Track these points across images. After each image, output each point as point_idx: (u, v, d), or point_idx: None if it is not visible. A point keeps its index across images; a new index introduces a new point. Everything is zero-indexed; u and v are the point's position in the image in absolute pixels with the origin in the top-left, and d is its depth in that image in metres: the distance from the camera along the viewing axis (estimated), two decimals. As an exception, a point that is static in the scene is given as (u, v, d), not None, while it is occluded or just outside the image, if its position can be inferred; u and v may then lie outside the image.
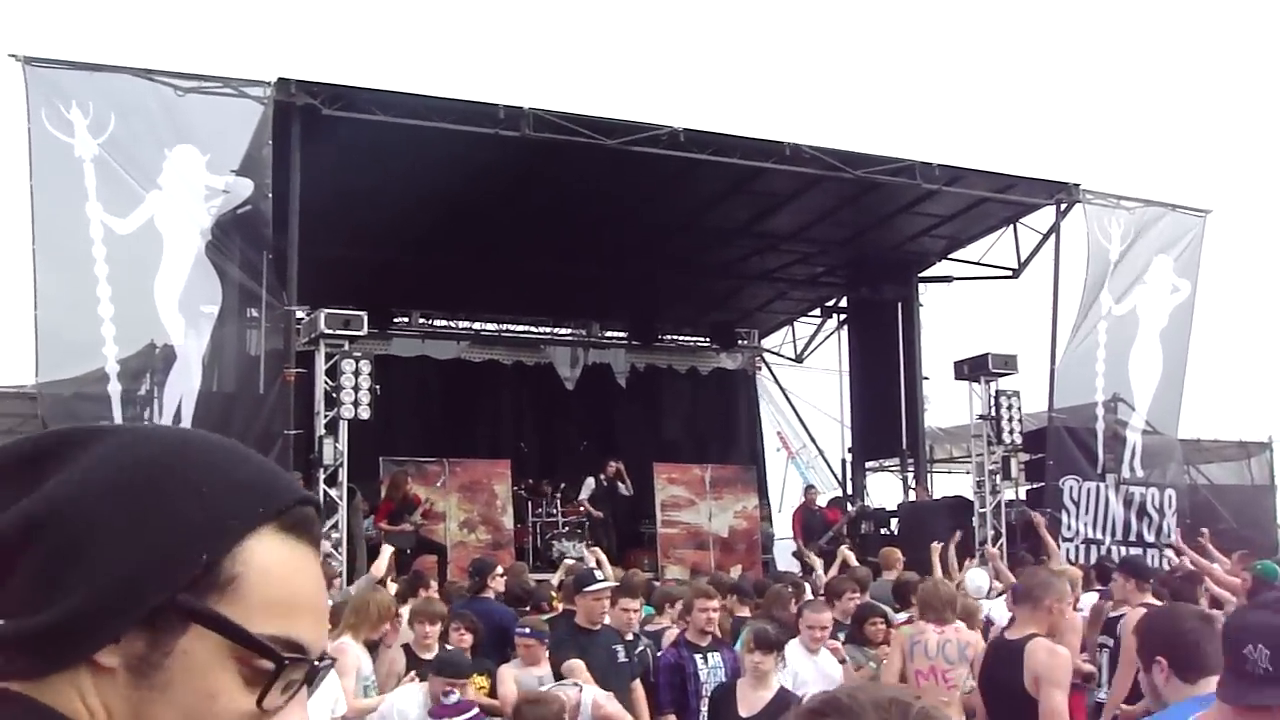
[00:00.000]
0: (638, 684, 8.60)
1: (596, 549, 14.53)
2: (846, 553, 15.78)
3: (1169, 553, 18.11)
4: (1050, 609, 6.50)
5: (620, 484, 21.06)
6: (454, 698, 6.55)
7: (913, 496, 22.81)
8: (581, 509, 20.48)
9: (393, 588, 11.77)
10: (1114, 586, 10.68)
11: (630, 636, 9.11)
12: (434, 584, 12.36)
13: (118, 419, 13.52)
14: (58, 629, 1.13)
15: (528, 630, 9.35)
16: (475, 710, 6.42)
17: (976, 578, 13.08)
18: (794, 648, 8.96)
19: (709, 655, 8.96)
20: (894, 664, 8.96)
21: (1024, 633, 6.53)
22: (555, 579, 14.29)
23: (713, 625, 9.23)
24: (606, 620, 8.82)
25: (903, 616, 11.31)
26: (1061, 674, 6.28)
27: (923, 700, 1.52)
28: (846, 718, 1.50)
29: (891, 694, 1.53)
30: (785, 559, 22.02)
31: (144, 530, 1.15)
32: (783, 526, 24.26)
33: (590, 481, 20.81)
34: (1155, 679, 4.24)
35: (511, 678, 8.61)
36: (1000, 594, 12.37)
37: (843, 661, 9.31)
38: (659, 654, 9.40)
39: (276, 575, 1.20)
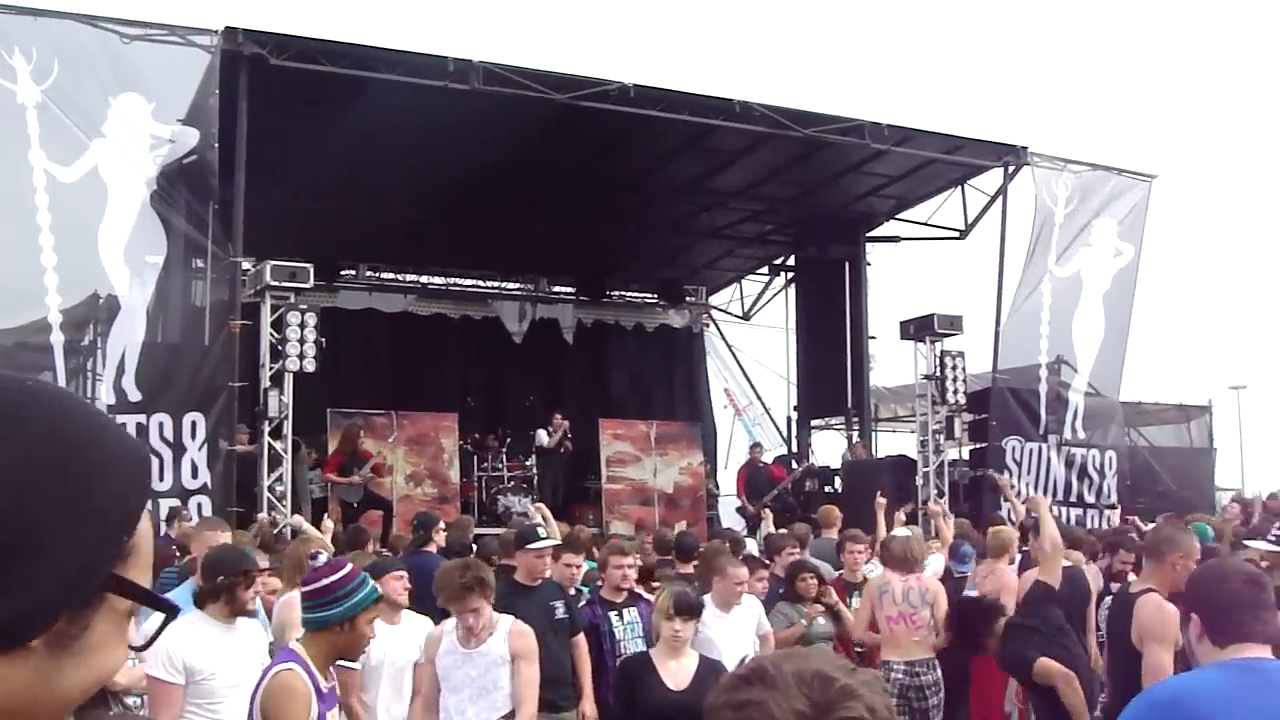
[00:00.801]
0: (580, 639, 8.60)
1: (541, 505, 14.55)
2: (765, 513, 15.99)
3: (1109, 513, 18.32)
4: (1173, 565, 6.40)
5: (567, 437, 21.08)
6: (322, 558, 6.29)
7: (850, 455, 22.98)
8: (563, 446, 20.58)
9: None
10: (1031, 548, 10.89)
11: (572, 592, 9.13)
12: (373, 543, 12.25)
13: (60, 369, 13.45)
14: (6, 624, 1.15)
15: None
16: (349, 566, 5.98)
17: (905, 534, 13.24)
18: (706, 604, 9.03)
19: (624, 611, 8.98)
20: (864, 612, 9.93)
21: (1143, 586, 6.57)
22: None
23: (628, 582, 9.21)
24: (549, 575, 8.82)
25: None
26: (1166, 630, 6.26)
27: (847, 678, 1.53)
28: (770, 689, 1.51)
29: (817, 666, 1.53)
30: (730, 516, 22.12)
31: (81, 521, 1.17)
32: (728, 483, 24.39)
33: (542, 434, 20.85)
34: (1190, 636, 3.98)
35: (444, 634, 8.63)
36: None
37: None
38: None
39: (147, 536, 1.26)
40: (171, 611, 1.33)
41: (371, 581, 5.52)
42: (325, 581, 5.32)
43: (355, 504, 17.12)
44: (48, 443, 1.19)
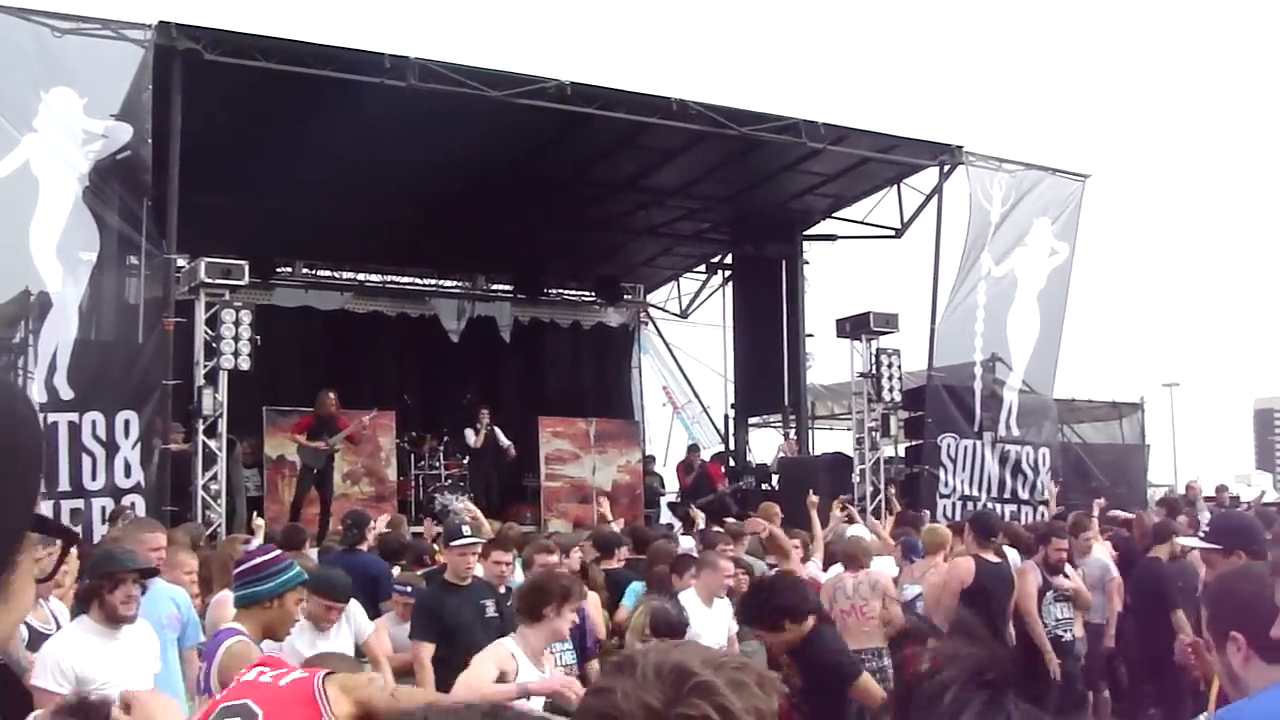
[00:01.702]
0: None
1: (469, 502, 14.54)
2: (696, 513, 16.04)
3: (1043, 509, 18.51)
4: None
5: (498, 430, 21.01)
6: (256, 542, 6.66)
7: (782, 453, 23.11)
8: (465, 461, 20.49)
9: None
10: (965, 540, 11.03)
11: (503, 590, 9.12)
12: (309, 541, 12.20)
13: (-10, 367, 13.32)
14: None
15: (408, 589, 9.36)
16: (278, 551, 6.41)
17: (858, 533, 13.34)
18: (689, 598, 9.07)
19: None
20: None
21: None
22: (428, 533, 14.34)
23: None
24: (479, 573, 8.80)
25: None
26: None
27: (711, 674, 1.50)
28: (627, 679, 1.50)
29: (679, 659, 1.51)
30: (669, 513, 22.19)
31: (25, 475, 1.23)
32: (670, 481, 24.44)
33: (470, 433, 20.80)
34: (1231, 660, 3.34)
35: (386, 631, 8.62)
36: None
37: None
38: None
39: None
40: (72, 538, 1.38)
41: (299, 567, 6.06)
42: (258, 560, 5.96)
43: (316, 470, 17.14)
44: None
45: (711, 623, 8.88)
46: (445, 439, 20.94)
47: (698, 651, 1.57)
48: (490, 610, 8.43)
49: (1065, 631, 10.78)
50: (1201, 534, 6.34)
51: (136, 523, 9.92)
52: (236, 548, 8.93)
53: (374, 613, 9.21)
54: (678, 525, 18.43)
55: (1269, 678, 3.15)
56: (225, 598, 8.51)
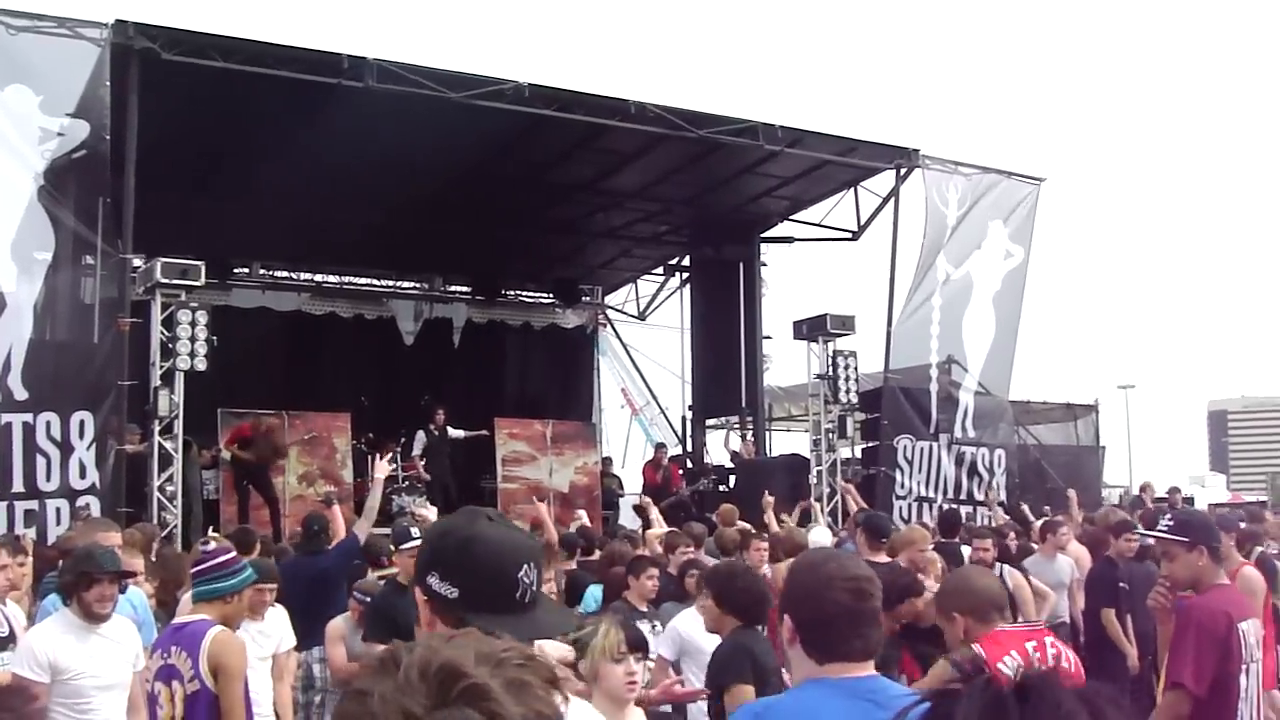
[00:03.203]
0: None
1: (424, 504, 14.53)
2: (645, 500, 16.10)
3: (995, 509, 18.61)
4: None
5: (450, 429, 20.96)
6: (210, 545, 7.08)
7: (739, 450, 23.19)
8: (423, 464, 20.41)
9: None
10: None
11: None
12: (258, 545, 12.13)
13: (-56, 367, 13.22)
14: None
15: (367, 597, 9.36)
16: (232, 552, 6.92)
17: (819, 535, 13.35)
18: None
19: None
20: None
21: None
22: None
23: None
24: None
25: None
26: None
27: (487, 675, 1.34)
28: (388, 679, 1.34)
29: (448, 656, 1.35)
30: (627, 515, 22.18)
31: None
32: (627, 482, 24.46)
33: (421, 435, 20.73)
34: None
35: (340, 635, 8.62)
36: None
37: None
38: None
39: None
40: None
41: (251, 568, 6.74)
42: (220, 559, 6.53)
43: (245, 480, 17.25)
44: None
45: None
46: (402, 441, 20.88)
47: (474, 646, 1.39)
48: None
49: None
50: (1164, 528, 6.38)
51: (91, 522, 9.89)
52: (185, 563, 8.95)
53: (337, 614, 9.21)
54: (638, 525, 18.43)
55: (806, 669, 3.34)
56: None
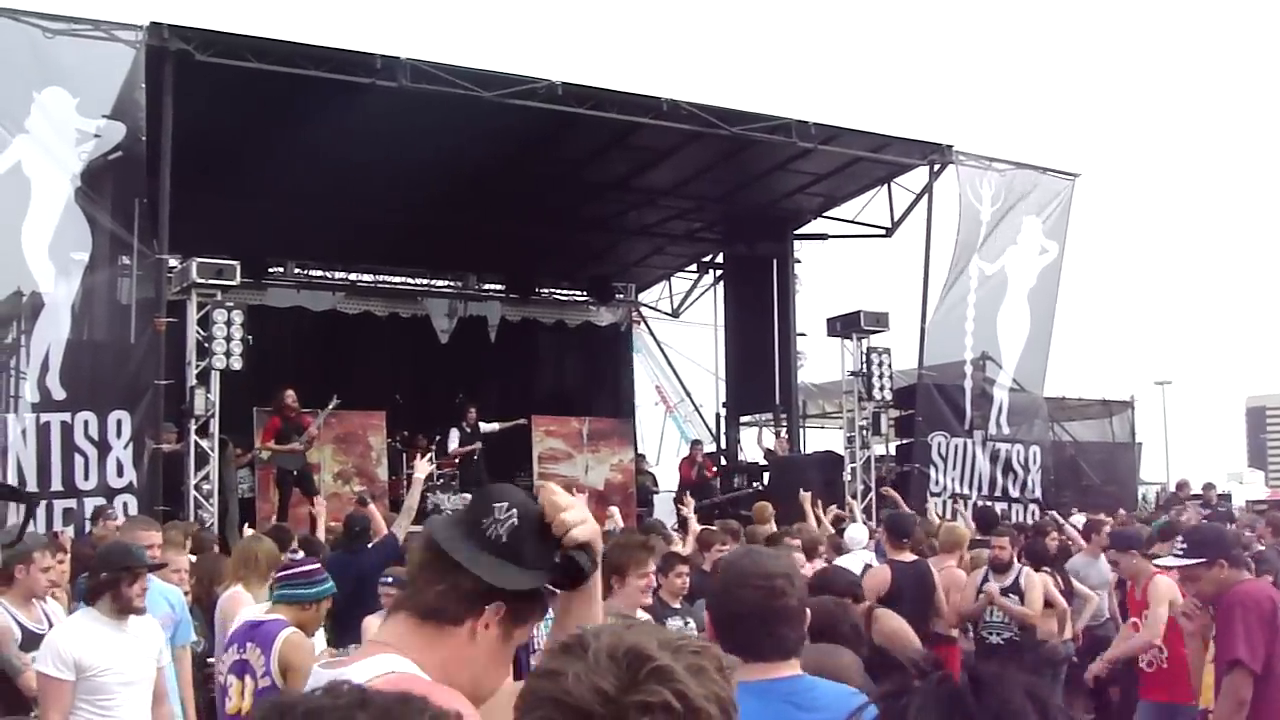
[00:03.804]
0: None
1: (459, 500, 14.55)
2: (687, 511, 16.02)
3: (1032, 507, 18.56)
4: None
5: (482, 425, 20.97)
6: (300, 553, 7.26)
7: (772, 447, 23.17)
8: (456, 461, 20.45)
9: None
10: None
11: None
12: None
13: (-17, 367, 13.36)
14: None
15: (391, 580, 9.37)
16: (317, 563, 7.11)
17: (855, 532, 13.32)
18: None
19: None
20: None
21: None
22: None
23: None
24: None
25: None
26: None
27: (668, 658, 1.41)
28: (579, 661, 1.42)
29: (634, 641, 1.42)
30: (663, 511, 22.18)
31: None
32: (662, 479, 24.48)
33: (454, 433, 20.76)
34: None
35: (374, 627, 8.65)
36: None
37: None
38: None
39: None
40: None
41: (331, 581, 6.87)
42: (306, 568, 6.82)
43: (295, 471, 17.16)
44: None
45: None
46: (437, 439, 20.93)
47: (654, 633, 1.47)
48: None
49: (993, 635, 10.67)
50: (1178, 553, 6.33)
51: (133, 520, 9.95)
52: (263, 545, 8.94)
53: (369, 613, 9.23)
54: (673, 523, 18.42)
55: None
56: (237, 594, 8.54)
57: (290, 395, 17.85)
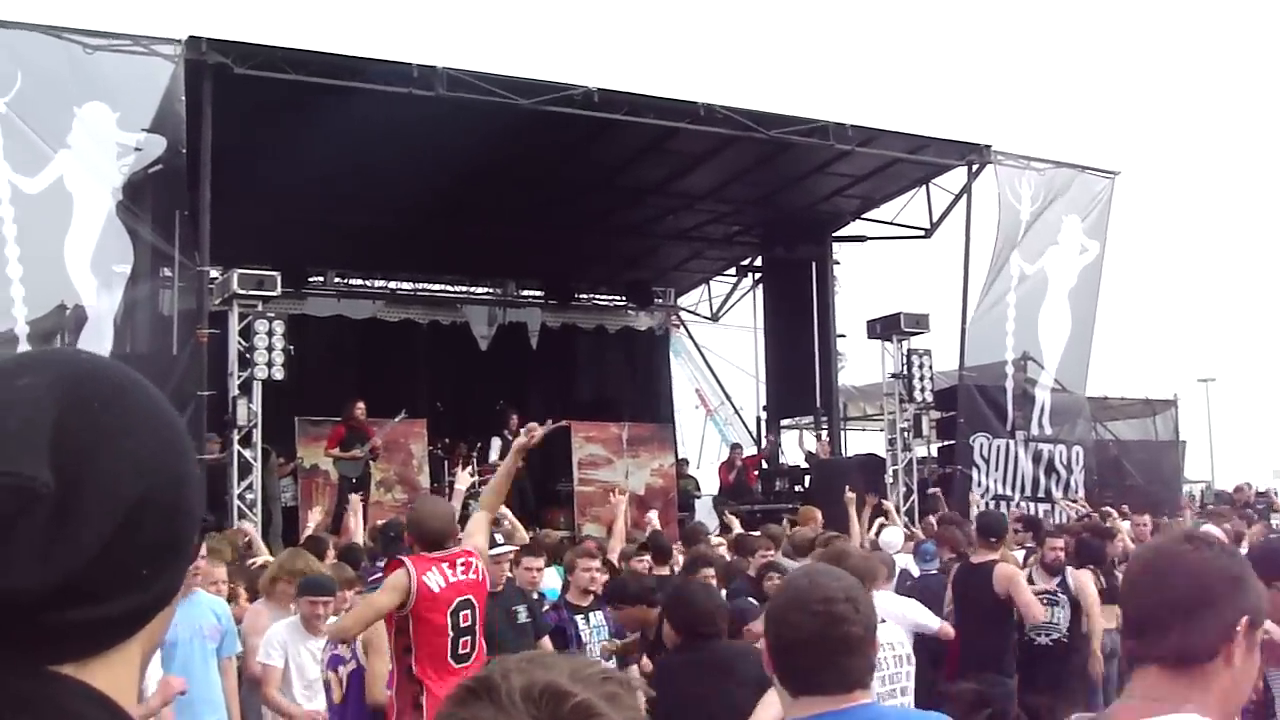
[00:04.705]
0: (545, 641, 8.64)
1: (504, 510, 14.56)
2: (730, 518, 15.99)
3: (1070, 506, 18.47)
4: None
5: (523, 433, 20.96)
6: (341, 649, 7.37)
7: (814, 450, 23.15)
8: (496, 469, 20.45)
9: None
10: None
11: (536, 596, 9.17)
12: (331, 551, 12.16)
13: (28, 382, 13.39)
14: (143, 607, 1.21)
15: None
16: (355, 664, 7.33)
17: (890, 535, 13.28)
18: None
19: (590, 615, 9.01)
20: None
21: None
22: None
23: (595, 585, 9.24)
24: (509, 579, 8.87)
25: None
26: None
27: (587, 691, 1.33)
28: (491, 705, 1.32)
29: (550, 678, 1.34)
30: (705, 515, 22.14)
31: (196, 498, 1.28)
32: (703, 483, 24.46)
33: (496, 441, 20.78)
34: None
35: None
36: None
37: None
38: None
39: None
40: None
41: None
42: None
43: (355, 479, 17.22)
44: (181, 434, 1.30)
45: None
46: (478, 446, 20.97)
47: (561, 665, 1.38)
48: (522, 615, 8.50)
49: (1041, 636, 10.55)
50: None
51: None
52: (306, 561, 9.01)
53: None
54: (715, 525, 18.39)
55: (788, 708, 3.00)
56: (260, 609, 8.60)
57: (360, 407, 17.98)
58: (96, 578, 1.14)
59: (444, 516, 7.14)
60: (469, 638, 6.53)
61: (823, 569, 3.57)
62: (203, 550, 8.19)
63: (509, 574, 8.82)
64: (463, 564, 6.72)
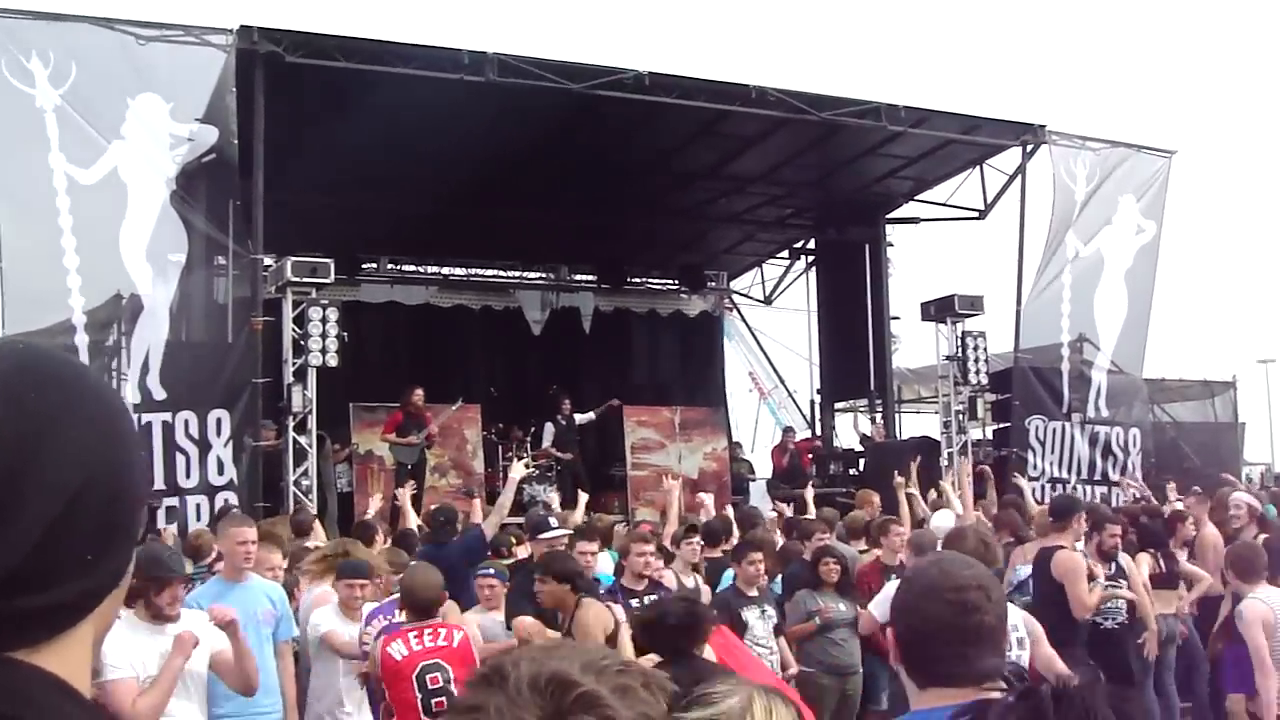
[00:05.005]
0: None
1: (552, 492, 14.65)
2: (780, 506, 15.91)
3: (1127, 486, 18.31)
4: None
5: (577, 416, 21.06)
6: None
7: (868, 433, 23.08)
8: (551, 455, 20.52)
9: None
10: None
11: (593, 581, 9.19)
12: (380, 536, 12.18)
13: (88, 371, 13.51)
14: (92, 590, 1.24)
15: (491, 571, 9.41)
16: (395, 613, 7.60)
17: (942, 518, 13.17)
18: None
19: (645, 599, 9.01)
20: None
21: None
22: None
23: (649, 569, 9.25)
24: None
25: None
26: None
27: (594, 682, 1.34)
28: (499, 693, 1.33)
29: (556, 668, 1.35)
30: (759, 499, 22.09)
31: (141, 482, 1.33)
32: (758, 466, 24.44)
33: (549, 427, 20.84)
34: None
35: (475, 623, 8.68)
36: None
37: None
38: None
39: None
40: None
41: None
42: None
43: (410, 465, 17.31)
44: (122, 420, 1.31)
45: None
46: (531, 431, 21.03)
47: (576, 655, 1.40)
48: None
49: (1107, 620, 10.44)
50: None
51: (229, 518, 10.10)
52: (352, 546, 9.13)
53: (465, 606, 9.27)
54: (770, 509, 18.33)
55: (914, 698, 2.90)
56: (325, 594, 8.64)
57: (418, 394, 18.05)
58: (42, 565, 1.17)
59: (433, 587, 7.28)
60: (443, 698, 6.68)
61: (952, 557, 3.53)
62: (251, 535, 8.21)
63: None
64: (431, 633, 6.99)
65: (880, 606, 9.44)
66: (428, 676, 6.78)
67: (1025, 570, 10.63)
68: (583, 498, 13.85)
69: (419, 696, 6.77)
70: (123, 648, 6.17)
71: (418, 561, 8.76)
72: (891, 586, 9.64)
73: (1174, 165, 21.14)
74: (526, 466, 13.48)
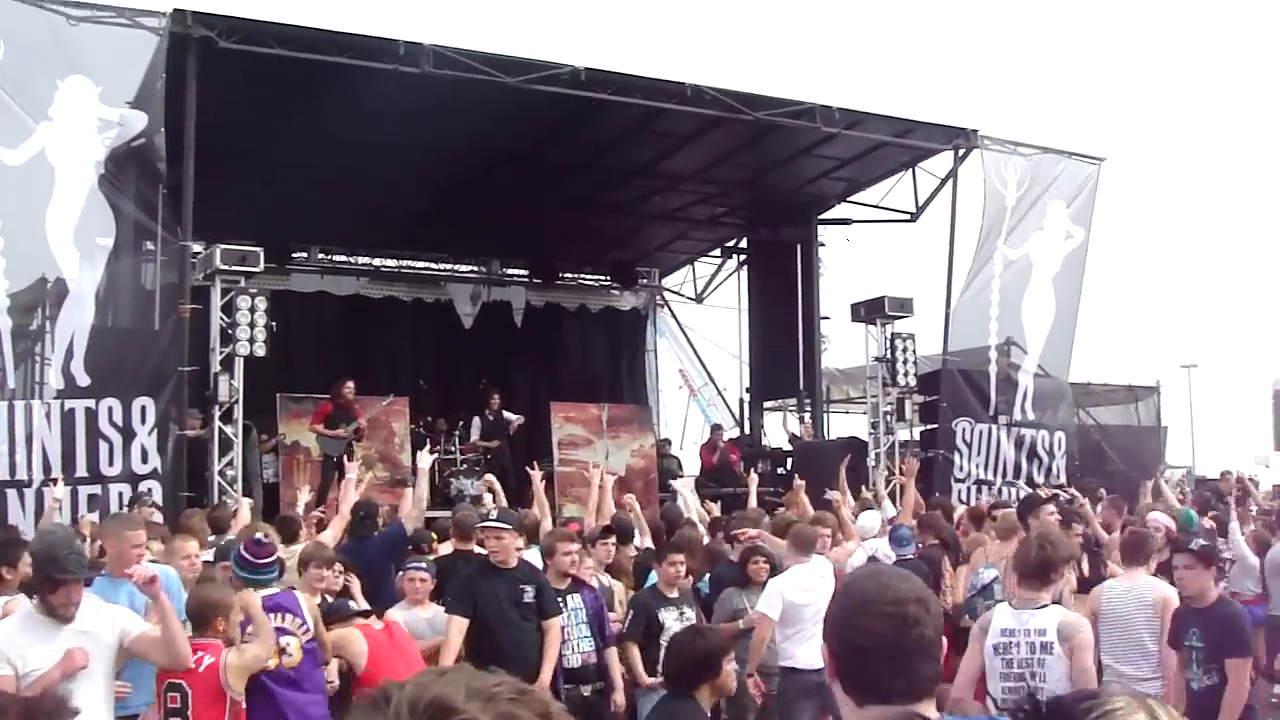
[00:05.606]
0: (552, 624, 8.57)
1: (490, 478, 14.60)
2: (710, 506, 15.83)
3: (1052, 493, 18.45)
4: None
5: (505, 413, 20.99)
6: (260, 536, 7.95)
7: (797, 432, 23.15)
8: (479, 448, 20.47)
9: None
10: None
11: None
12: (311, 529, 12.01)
13: (8, 354, 13.35)
14: None
15: (422, 565, 9.35)
16: (272, 555, 7.69)
17: (867, 520, 13.16)
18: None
19: (568, 598, 8.96)
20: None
21: None
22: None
23: (574, 568, 9.21)
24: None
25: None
26: None
27: (478, 709, 1.31)
28: (380, 717, 1.31)
29: (438, 692, 1.32)
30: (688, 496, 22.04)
31: None
32: (686, 464, 24.43)
33: (477, 420, 20.79)
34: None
35: (400, 620, 8.61)
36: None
37: None
38: None
39: None
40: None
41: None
42: (275, 556, 7.71)
43: (336, 458, 17.17)
44: None
45: None
46: (460, 424, 20.95)
47: (466, 681, 1.35)
48: (528, 595, 8.53)
49: None
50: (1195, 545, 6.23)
51: (119, 518, 9.91)
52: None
53: (386, 602, 9.20)
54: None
55: (851, 714, 2.75)
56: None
57: (349, 386, 17.86)
58: None
59: (210, 606, 7.02)
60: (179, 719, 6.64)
61: (888, 570, 3.39)
62: (143, 538, 7.93)
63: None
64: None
65: (769, 601, 9.42)
66: (168, 695, 6.63)
67: (988, 573, 10.64)
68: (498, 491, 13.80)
69: (160, 715, 6.74)
70: (9, 642, 6.00)
71: (207, 577, 8.45)
72: (776, 581, 9.67)
73: (1102, 172, 21.37)
74: (431, 453, 13.38)
